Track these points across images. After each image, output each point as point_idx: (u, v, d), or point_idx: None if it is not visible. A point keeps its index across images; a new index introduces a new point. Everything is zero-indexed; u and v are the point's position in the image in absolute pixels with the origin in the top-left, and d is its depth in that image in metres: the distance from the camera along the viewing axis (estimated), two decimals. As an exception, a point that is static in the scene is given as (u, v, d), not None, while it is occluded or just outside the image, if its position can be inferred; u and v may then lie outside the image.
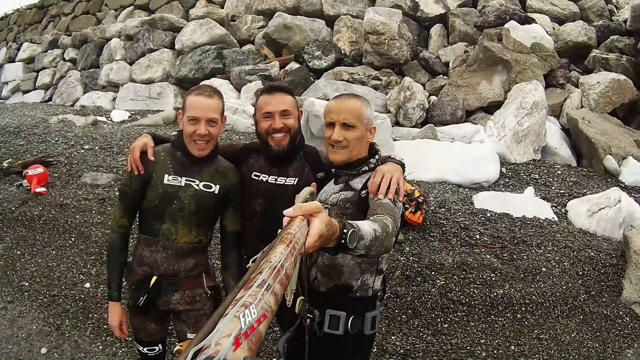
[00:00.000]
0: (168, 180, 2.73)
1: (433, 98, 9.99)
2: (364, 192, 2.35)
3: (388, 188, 2.24)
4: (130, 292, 2.88)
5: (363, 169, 2.47)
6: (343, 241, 1.59)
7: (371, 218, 1.99)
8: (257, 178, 2.88)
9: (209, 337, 0.84)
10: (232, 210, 2.91)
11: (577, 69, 10.68)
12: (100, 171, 6.65)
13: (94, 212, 5.71)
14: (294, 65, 11.80)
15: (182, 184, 2.74)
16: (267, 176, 2.87)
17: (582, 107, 9.50)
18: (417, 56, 11.45)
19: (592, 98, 9.44)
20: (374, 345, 2.72)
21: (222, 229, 2.96)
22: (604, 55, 10.48)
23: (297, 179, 2.84)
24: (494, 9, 11.12)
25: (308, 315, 2.37)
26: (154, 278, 2.75)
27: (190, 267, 2.82)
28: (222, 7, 14.92)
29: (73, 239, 5.42)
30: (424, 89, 10.44)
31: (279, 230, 1.42)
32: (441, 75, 11.15)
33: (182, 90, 12.27)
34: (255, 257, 1.29)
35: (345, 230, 1.59)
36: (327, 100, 8.71)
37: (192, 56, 12.24)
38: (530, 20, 10.95)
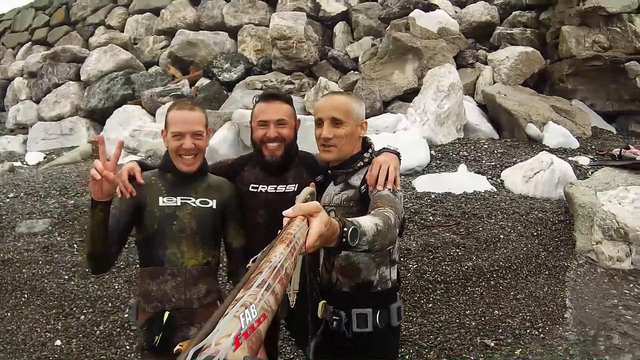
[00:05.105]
0: (163, 202, 2.58)
1: (348, 95, 10.06)
2: (363, 187, 2.32)
3: (386, 179, 2.21)
4: (142, 334, 2.63)
5: (359, 165, 2.43)
6: (344, 239, 1.56)
7: (372, 212, 1.96)
8: (255, 190, 2.79)
9: (209, 337, 0.84)
10: (234, 225, 2.78)
11: (484, 47, 11.11)
12: (34, 218, 6.19)
13: (40, 262, 5.28)
14: (204, 81, 11.62)
15: (179, 203, 2.60)
16: (265, 186, 2.78)
17: (494, 82, 9.87)
18: (325, 56, 11.54)
19: (504, 72, 9.82)
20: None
21: (227, 247, 2.82)
22: (508, 31, 10.99)
23: (296, 185, 2.77)
24: (397, 0, 11.34)
25: (334, 317, 2.34)
26: (167, 313, 2.55)
27: (203, 294, 2.63)
28: (122, 31, 14.59)
29: (26, 295, 4.98)
30: (339, 86, 10.52)
31: (279, 230, 1.39)
32: (352, 71, 11.25)
33: (94, 123, 11.82)
34: (255, 257, 1.27)
35: (345, 229, 1.56)
36: (248, 109, 8.67)
37: (100, 85, 11.77)
38: (434, 7, 11.26)
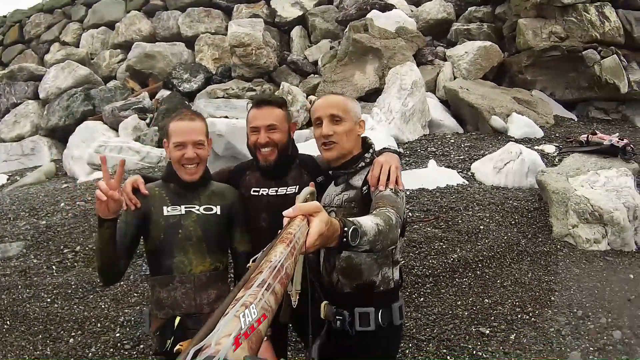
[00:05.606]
0: (168, 211, 2.60)
1: (312, 97, 10.08)
2: (365, 187, 2.32)
3: (388, 179, 2.21)
4: (154, 340, 2.67)
5: (360, 166, 2.43)
6: (345, 239, 1.57)
7: (374, 212, 1.96)
8: (257, 194, 2.80)
9: (209, 336, 0.84)
10: (239, 230, 2.78)
11: (442, 44, 11.26)
12: (5, 242, 5.95)
13: (20, 287, 5.06)
14: (164, 93, 11.50)
15: (183, 212, 2.62)
16: (267, 190, 2.79)
17: (455, 78, 10.01)
18: (285, 61, 11.57)
19: (463, 67, 9.98)
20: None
21: (233, 252, 2.82)
22: (465, 27, 11.18)
23: (297, 186, 2.77)
24: (354, 2, 11.46)
25: (337, 317, 2.35)
26: (178, 318, 2.57)
27: (213, 299, 2.64)
28: (78, 47, 14.35)
29: (8, 322, 4.71)
30: (300, 90, 10.53)
31: (279, 230, 1.40)
32: (312, 75, 11.30)
33: (55, 141, 11.49)
34: (256, 256, 1.26)
35: (345, 229, 1.57)
36: (213, 117, 8.64)
37: (60, 102, 11.46)
38: (390, 7, 11.39)
